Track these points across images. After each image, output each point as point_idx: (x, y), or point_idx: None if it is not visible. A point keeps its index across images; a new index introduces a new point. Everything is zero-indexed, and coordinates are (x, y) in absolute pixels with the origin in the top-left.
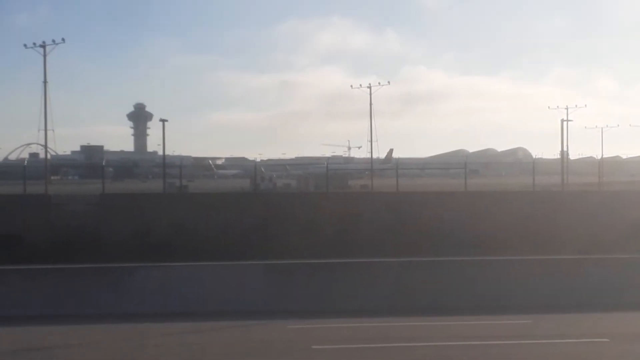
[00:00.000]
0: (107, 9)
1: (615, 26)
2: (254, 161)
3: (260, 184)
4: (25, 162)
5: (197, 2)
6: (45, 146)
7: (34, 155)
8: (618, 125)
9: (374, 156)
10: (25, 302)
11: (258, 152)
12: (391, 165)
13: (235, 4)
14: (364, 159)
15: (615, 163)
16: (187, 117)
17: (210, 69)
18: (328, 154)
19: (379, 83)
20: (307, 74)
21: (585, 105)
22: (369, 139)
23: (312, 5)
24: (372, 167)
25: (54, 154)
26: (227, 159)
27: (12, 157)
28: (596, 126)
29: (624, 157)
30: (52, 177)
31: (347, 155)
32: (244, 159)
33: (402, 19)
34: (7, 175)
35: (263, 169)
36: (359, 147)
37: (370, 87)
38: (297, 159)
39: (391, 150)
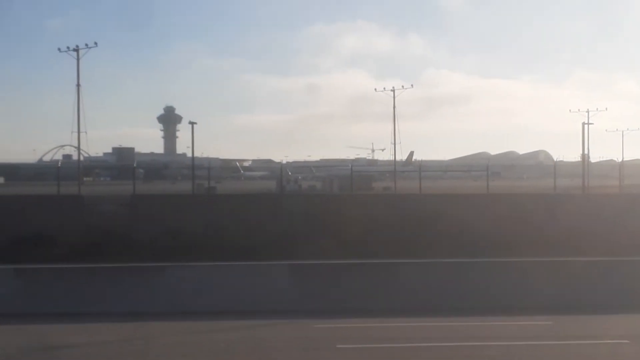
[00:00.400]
0: (137, 14)
1: (637, 29)
2: (280, 163)
3: (286, 186)
4: (59, 163)
5: (223, 6)
6: (79, 148)
7: (67, 157)
8: (639, 129)
9: (397, 158)
10: (60, 299)
11: (284, 154)
12: (412, 168)
13: (261, 8)
14: (387, 161)
15: (636, 166)
16: (215, 120)
17: (237, 71)
18: (352, 156)
19: (402, 86)
20: (332, 77)
21: (606, 109)
22: (392, 141)
23: (337, 9)
24: (395, 169)
25: (86, 155)
26: (253, 160)
27: (47, 158)
28: (617, 129)
29: None
30: (85, 178)
31: (370, 157)
32: (270, 161)
33: (425, 22)
34: (41, 176)
35: (289, 171)
36: (383, 150)
37: (394, 90)
38: (321, 161)
39: (412, 153)
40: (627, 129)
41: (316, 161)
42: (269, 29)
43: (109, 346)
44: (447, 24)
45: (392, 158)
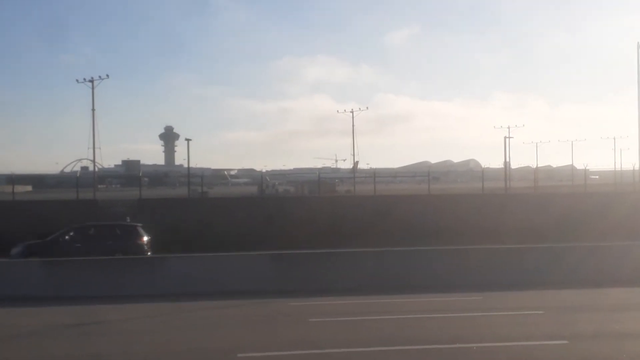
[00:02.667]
0: (141, 49)
1: (545, 58)
2: (260, 172)
3: (265, 190)
4: (78, 174)
5: (210, 44)
6: (94, 161)
7: (84, 168)
8: (549, 141)
9: (350, 167)
10: (79, 286)
11: (263, 163)
12: (357, 174)
13: (241, 45)
14: (347, 169)
15: (547, 171)
16: (206, 136)
17: (223, 97)
18: (319, 165)
19: (360, 108)
20: (300, 101)
21: (524, 125)
22: (352, 153)
23: (301, 46)
24: (354, 175)
25: (100, 167)
26: (239, 170)
27: (67, 170)
28: (532, 141)
29: (554, 166)
30: (99, 186)
31: (334, 166)
32: (252, 170)
33: (373, 56)
34: (63, 184)
35: (268, 178)
36: (344, 160)
37: (352, 112)
38: (294, 169)
39: (356, 162)
40: (540, 141)
41: (290, 169)
42: (247, 62)
43: (122, 322)
44: (391, 57)
45: (351, 166)
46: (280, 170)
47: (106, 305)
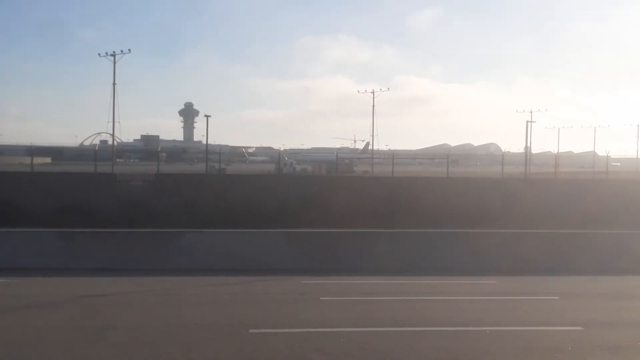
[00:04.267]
0: (162, 25)
1: (570, 43)
2: (278, 150)
3: (283, 168)
4: (97, 147)
5: (231, 21)
6: (113, 135)
7: (103, 142)
8: (572, 127)
9: (375, 148)
10: (95, 258)
11: (282, 142)
12: (367, 155)
13: (262, 22)
14: (370, 150)
15: (568, 157)
16: (226, 113)
17: (243, 75)
18: (338, 145)
19: (380, 89)
20: (321, 81)
21: (546, 110)
22: (371, 133)
23: (323, 26)
24: (369, 156)
25: (119, 141)
26: (257, 147)
27: (86, 143)
28: (554, 127)
29: (576, 152)
30: (118, 160)
31: (353, 146)
32: (270, 148)
33: (396, 37)
34: (82, 157)
35: (286, 156)
36: (363, 141)
37: (373, 92)
38: (312, 149)
39: (367, 143)
40: (563, 127)
41: (308, 149)
42: (268, 41)
43: (135, 295)
44: (414, 38)
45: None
46: (299, 149)
47: (119, 278)
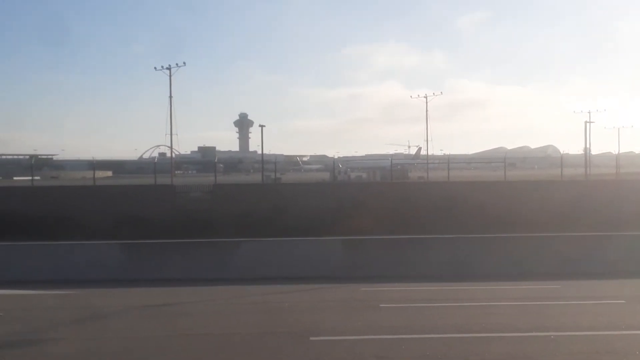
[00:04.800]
0: (213, 38)
1: (624, 42)
2: (332, 158)
3: (337, 176)
4: (156, 159)
5: (281, 31)
6: (171, 147)
7: (162, 154)
8: (632, 126)
9: (430, 153)
10: (155, 269)
11: (335, 150)
12: (419, 161)
13: (308, 32)
14: (422, 156)
15: (630, 157)
16: (277, 123)
17: (293, 84)
18: (392, 152)
19: (433, 93)
20: (369, 88)
21: (605, 110)
22: (425, 139)
23: (371, 32)
24: (427, 162)
25: (177, 153)
26: (311, 156)
27: (146, 156)
28: (613, 127)
29: (637, 152)
30: (176, 172)
31: (407, 152)
32: (324, 156)
33: (445, 41)
34: (142, 170)
35: (340, 164)
36: (417, 146)
37: (426, 97)
38: (366, 155)
39: (420, 149)
40: (622, 127)
41: (362, 156)
42: (316, 49)
43: (195, 305)
44: (463, 41)
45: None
46: (352, 157)
47: (180, 288)
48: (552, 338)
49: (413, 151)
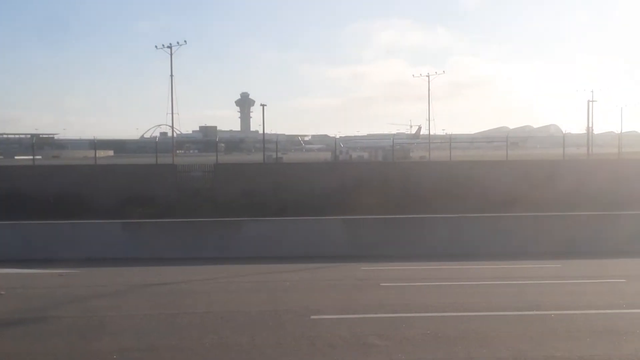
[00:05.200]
0: (215, 16)
1: (629, 20)
2: (334, 137)
3: (339, 156)
4: (157, 139)
5: (280, 8)
6: (172, 127)
7: (163, 134)
8: (636, 105)
9: (432, 133)
10: (158, 247)
11: (337, 129)
12: (419, 140)
13: (307, 8)
14: (423, 135)
15: (633, 136)
16: (281, 102)
17: (295, 62)
18: (394, 131)
19: (436, 72)
20: (373, 66)
21: (608, 89)
22: (427, 118)
23: (373, 9)
24: (429, 141)
25: (179, 132)
26: (312, 136)
27: (147, 135)
28: (616, 105)
29: None
30: (177, 151)
31: (409, 132)
32: (326, 136)
33: (449, 18)
34: (143, 149)
35: (341, 144)
36: (419, 126)
37: (428, 76)
38: (368, 135)
39: (419, 128)
40: (625, 105)
41: (364, 135)
42: (319, 26)
43: (197, 283)
44: (467, 18)
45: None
46: (354, 136)
47: (183, 267)
48: (552, 317)
49: (414, 131)
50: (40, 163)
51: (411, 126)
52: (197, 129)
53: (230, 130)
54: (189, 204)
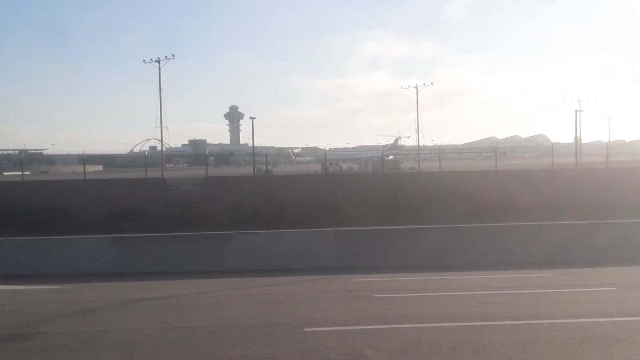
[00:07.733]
0: (202, 29)
1: (613, 28)
2: (323, 150)
3: (329, 168)
4: (146, 153)
5: (266, 21)
6: (162, 140)
7: (152, 148)
8: (622, 114)
9: (421, 143)
10: (148, 262)
11: (326, 141)
12: (397, 151)
13: (292, 19)
14: (412, 146)
15: (620, 145)
16: (268, 114)
17: (282, 73)
18: (383, 143)
19: (424, 83)
20: (359, 78)
21: (595, 98)
22: (416, 129)
23: (356, 20)
24: (418, 153)
25: (168, 146)
26: (302, 148)
27: (136, 149)
28: (603, 115)
29: (627, 140)
30: (167, 165)
31: (398, 143)
32: (315, 148)
33: (432, 29)
34: (132, 164)
35: (331, 156)
36: (408, 137)
37: (416, 87)
38: (357, 147)
39: (397, 139)
40: (613, 114)
41: (353, 147)
42: (304, 37)
43: (189, 297)
44: (452, 29)
45: (416, 144)
46: (344, 148)
47: (173, 281)
48: (544, 325)
49: (405, 142)
50: (29, 179)
51: (400, 137)
52: (187, 142)
53: (220, 144)
54: (179, 217)
